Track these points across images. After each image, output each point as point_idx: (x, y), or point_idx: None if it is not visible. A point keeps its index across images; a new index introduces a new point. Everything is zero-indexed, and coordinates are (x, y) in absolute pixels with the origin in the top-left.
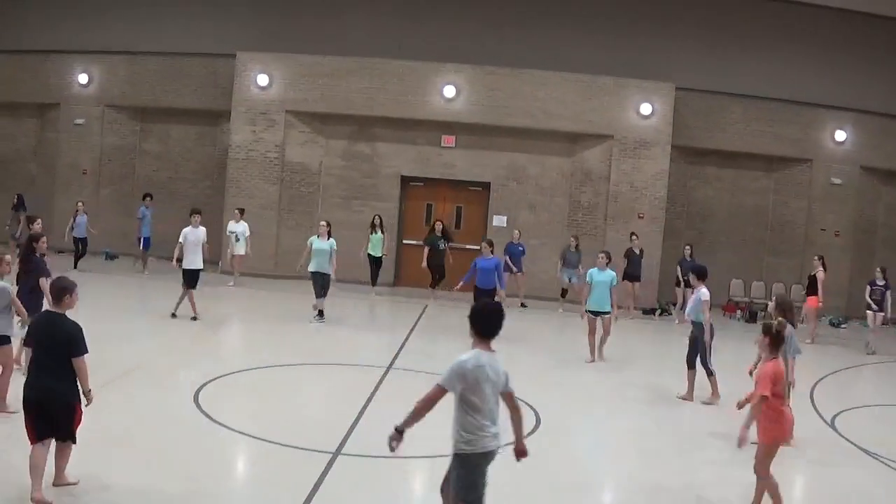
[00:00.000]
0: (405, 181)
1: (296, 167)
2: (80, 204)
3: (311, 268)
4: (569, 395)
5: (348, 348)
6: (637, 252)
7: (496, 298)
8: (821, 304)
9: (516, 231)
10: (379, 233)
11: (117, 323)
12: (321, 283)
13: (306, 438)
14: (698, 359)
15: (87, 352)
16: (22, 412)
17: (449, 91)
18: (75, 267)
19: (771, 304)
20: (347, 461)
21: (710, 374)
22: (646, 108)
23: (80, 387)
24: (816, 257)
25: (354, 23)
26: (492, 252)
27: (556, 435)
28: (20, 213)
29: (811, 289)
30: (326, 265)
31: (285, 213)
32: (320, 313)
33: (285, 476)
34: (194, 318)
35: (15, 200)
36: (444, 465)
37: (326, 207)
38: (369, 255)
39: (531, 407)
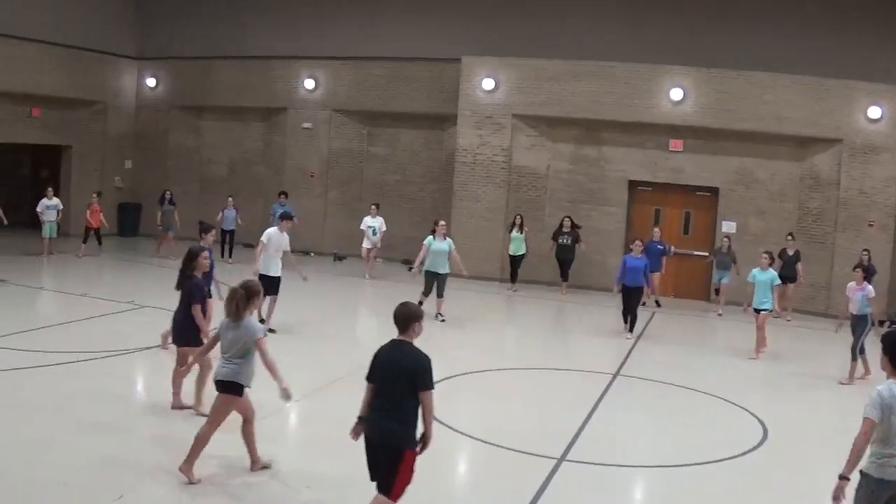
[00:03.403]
0: (633, 185)
1: (523, 171)
2: (230, 199)
3: (428, 268)
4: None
5: (569, 353)
6: (791, 253)
7: (644, 298)
8: None
9: (656, 229)
10: (520, 232)
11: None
12: (438, 284)
13: (530, 443)
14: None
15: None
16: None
17: (676, 94)
18: (224, 256)
19: None
20: (572, 468)
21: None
22: (874, 112)
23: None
24: None
25: (579, 26)
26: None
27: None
28: (169, 209)
29: None
30: (444, 265)
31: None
32: (438, 314)
33: (508, 480)
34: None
35: (168, 196)
36: (665, 475)
37: (553, 211)
38: (510, 254)
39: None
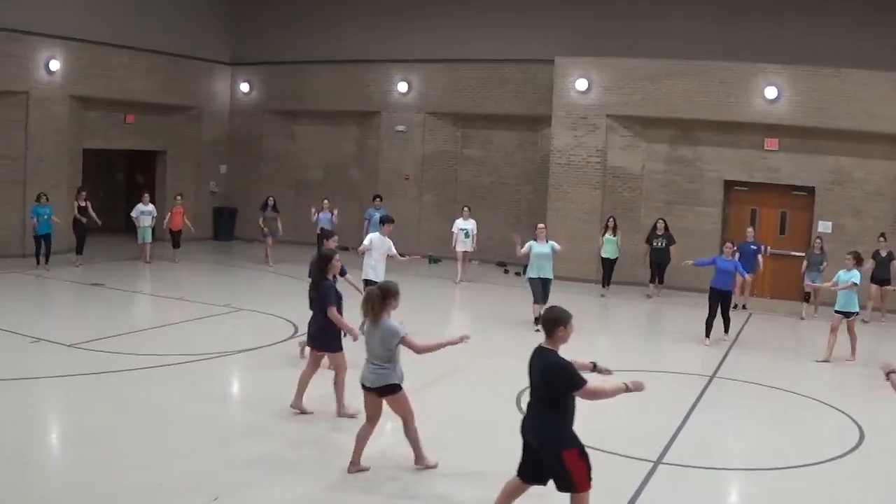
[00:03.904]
0: (728, 185)
1: (617, 172)
2: (325, 202)
3: (531, 273)
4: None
5: (664, 355)
6: (884, 254)
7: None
8: None
9: (750, 229)
10: (613, 235)
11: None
12: (544, 289)
13: (626, 446)
14: None
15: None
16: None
17: (770, 92)
18: None
19: None
20: (668, 471)
21: None
22: None
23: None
24: None
25: (672, 24)
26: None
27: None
28: (272, 215)
29: None
30: (549, 270)
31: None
32: (537, 320)
33: (604, 483)
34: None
35: (271, 202)
36: (762, 478)
37: (648, 212)
38: (603, 257)
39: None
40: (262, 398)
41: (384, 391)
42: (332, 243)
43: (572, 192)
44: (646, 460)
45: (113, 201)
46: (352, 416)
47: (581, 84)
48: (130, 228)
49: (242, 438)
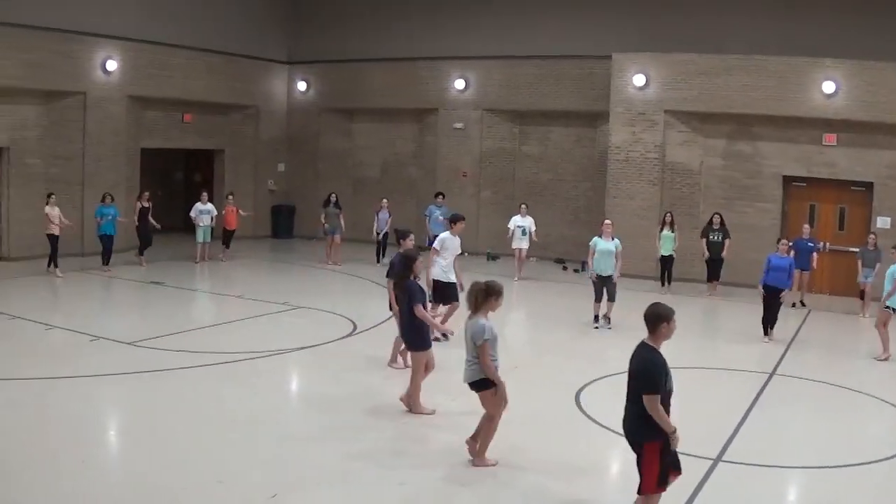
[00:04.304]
0: (787, 181)
1: (676, 167)
2: (384, 201)
3: (597, 271)
4: None
5: (723, 352)
6: None
7: (781, 297)
8: None
9: (806, 226)
10: (671, 230)
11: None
12: (607, 288)
13: (686, 443)
14: None
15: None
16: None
17: (828, 87)
18: (378, 262)
19: None
20: (729, 469)
21: None
22: None
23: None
24: None
25: (729, 19)
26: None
27: None
28: (334, 211)
29: None
30: (611, 267)
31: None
32: (606, 318)
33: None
34: None
35: (333, 199)
36: (824, 475)
37: (707, 208)
38: (662, 254)
39: None
40: (321, 395)
41: (474, 386)
42: (409, 242)
43: (630, 189)
44: (705, 458)
45: (171, 200)
46: (430, 413)
47: (639, 80)
48: (189, 228)
49: (302, 436)
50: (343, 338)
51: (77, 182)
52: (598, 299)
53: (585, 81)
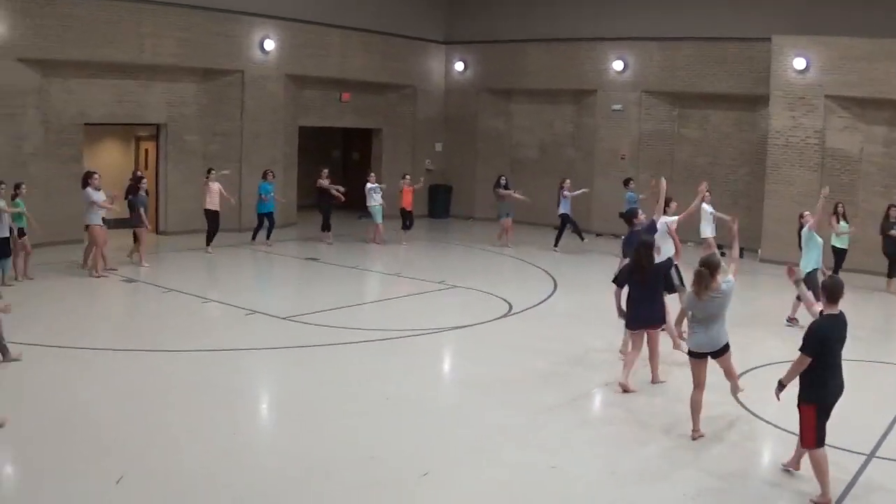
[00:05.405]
0: None
1: (836, 154)
2: (566, 181)
3: (812, 266)
4: None
5: (892, 347)
6: None
7: None
8: None
9: None
10: (847, 222)
11: None
12: (816, 282)
13: (841, 437)
14: None
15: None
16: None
17: None
18: (555, 246)
19: None
20: (883, 465)
21: None
22: None
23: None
24: None
25: (892, 3)
26: None
27: None
28: (505, 193)
29: None
30: (820, 260)
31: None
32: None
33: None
34: None
35: (503, 181)
36: None
37: (866, 196)
38: (837, 247)
39: None
40: (473, 374)
41: (724, 350)
42: (642, 218)
43: (789, 175)
44: (859, 453)
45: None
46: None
47: (799, 63)
48: (346, 206)
49: (454, 415)
50: (499, 318)
51: (235, 159)
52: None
53: (745, 64)
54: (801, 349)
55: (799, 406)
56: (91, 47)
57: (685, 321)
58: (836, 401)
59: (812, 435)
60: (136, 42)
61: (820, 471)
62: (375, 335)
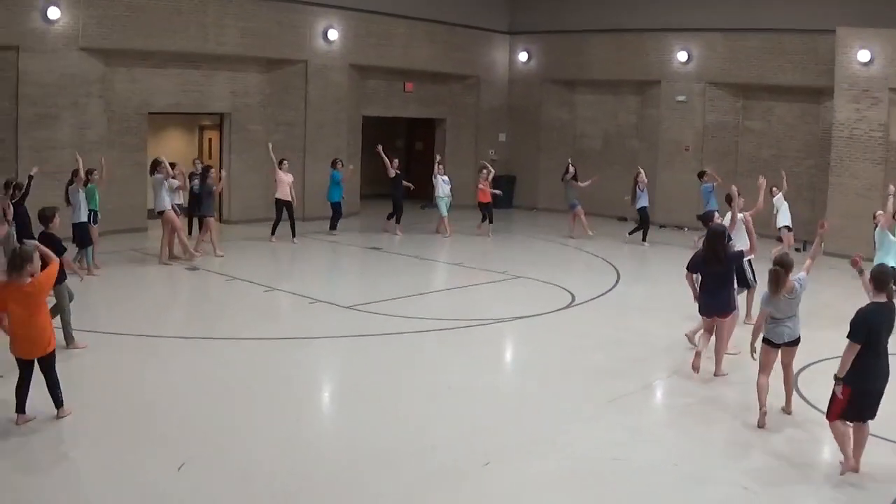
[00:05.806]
0: None
1: None
2: (641, 173)
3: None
4: None
5: None
6: None
7: None
8: None
9: None
10: None
11: None
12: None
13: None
14: None
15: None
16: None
17: None
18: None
19: None
20: None
21: None
22: None
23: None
24: None
25: None
26: None
27: None
28: (572, 183)
29: None
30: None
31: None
32: None
33: (872, 469)
34: None
35: (572, 170)
36: None
37: None
38: None
39: None
40: (535, 364)
41: (798, 341)
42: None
43: (854, 168)
44: None
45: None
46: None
47: (863, 55)
48: (412, 195)
49: (515, 405)
50: (561, 309)
51: (299, 148)
52: None
53: (809, 56)
54: (848, 336)
55: (836, 382)
56: (154, 37)
57: (700, 332)
58: (880, 387)
59: (837, 411)
60: (199, 32)
61: (840, 441)
62: (438, 325)
